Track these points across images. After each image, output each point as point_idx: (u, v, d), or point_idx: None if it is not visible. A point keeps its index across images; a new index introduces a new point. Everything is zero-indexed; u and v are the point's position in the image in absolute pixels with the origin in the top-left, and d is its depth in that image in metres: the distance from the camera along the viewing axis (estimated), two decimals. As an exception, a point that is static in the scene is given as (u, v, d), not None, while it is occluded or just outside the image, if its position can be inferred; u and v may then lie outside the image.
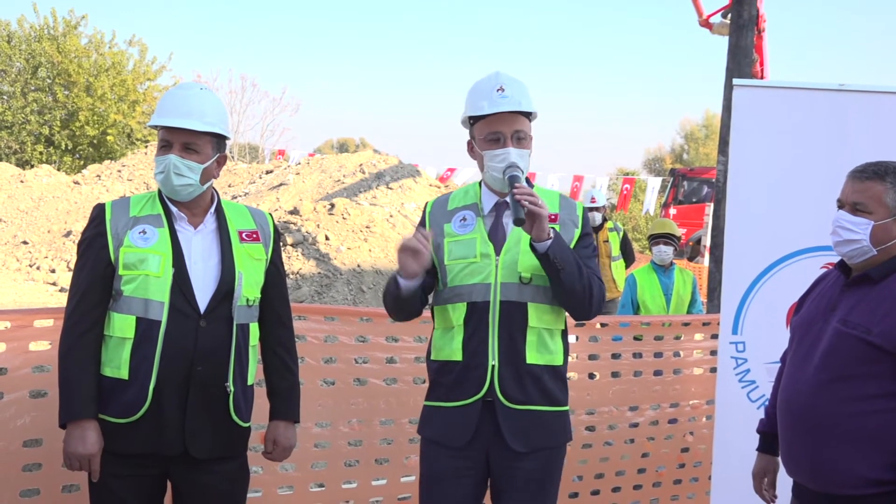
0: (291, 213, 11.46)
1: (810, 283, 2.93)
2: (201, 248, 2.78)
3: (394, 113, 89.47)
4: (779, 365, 2.98)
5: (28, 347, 3.13)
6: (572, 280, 2.72)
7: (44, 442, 3.10)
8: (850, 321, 2.57)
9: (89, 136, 27.50)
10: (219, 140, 2.81)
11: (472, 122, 2.87)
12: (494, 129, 2.79)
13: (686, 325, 5.11)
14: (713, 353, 4.72)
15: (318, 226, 10.76)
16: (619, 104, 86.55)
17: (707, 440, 4.71)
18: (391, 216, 11.80)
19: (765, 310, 3.99)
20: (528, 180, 2.83)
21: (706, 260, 12.33)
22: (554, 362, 2.83)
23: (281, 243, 4.86)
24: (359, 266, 10.04)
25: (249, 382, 2.85)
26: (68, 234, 13.61)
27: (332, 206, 11.28)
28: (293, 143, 49.17)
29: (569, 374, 3.01)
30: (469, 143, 2.92)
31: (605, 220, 8.69)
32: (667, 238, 6.88)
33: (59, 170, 22.01)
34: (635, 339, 4.80)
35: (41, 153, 27.19)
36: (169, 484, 2.79)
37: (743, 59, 8.86)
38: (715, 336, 4.59)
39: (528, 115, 2.85)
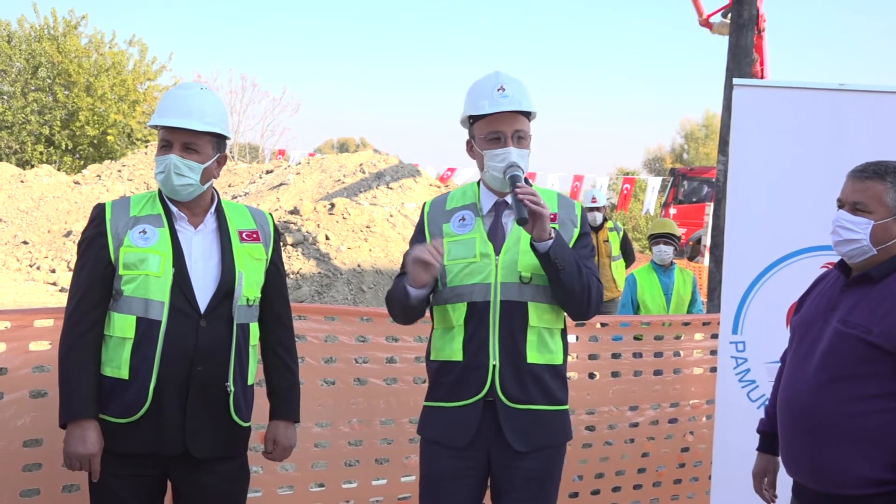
0: (292, 212, 11.46)
1: (810, 283, 2.93)
2: (201, 248, 2.78)
3: (394, 113, 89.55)
4: (779, 365, 2.98)
5: (28, 347, 3.13)
6: (572, 280, 2.72)
7: (44, 442, 3.10)
8: (850, 321, 2.57)
9: (89, 136, 27.51)
10: (219, 140, 2.81)
11: (472, 121, 2.86)
12: (495, 129, 2.79)
13: (686, 324, 5.11)
14: (713, 352, 4.72)
15: (318, 225, 10.76)
16: (619, 104, 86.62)
17: (707, 440, 4.71)
18: (391, 216, 11.81)
19: (765, 309, 3.99)
20: (526, 180, 2.82)
21: (706, 260, 12.33)
22: (554, 361, 2.84)
23: (281, 243, 4.87)
24: (359, 266, 10.04)
25: (250, 382, 2.85)
26: (68, 234, 13.61)
27: (333, 205, 11.28)
28: (293, 142, 49.30)
29: (569, 374, 3.02)
30: (468, 142, 2.92)
31: (605, 219, 8.69)
32: (667, 238, 6.88)
33: (59, 170, 22.02)
34: (635, 338, 4.80)
35: (41, 153, 27.20)
36: (169, 484, 2.79)
37: (743, 59, 8.86)
38: (715, 336, 4.59)
39: (528, 115, 2.85)
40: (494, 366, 2.76)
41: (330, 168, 15.50)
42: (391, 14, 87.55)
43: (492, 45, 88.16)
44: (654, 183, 23.18)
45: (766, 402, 3.34)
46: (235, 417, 2.76)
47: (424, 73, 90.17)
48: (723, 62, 9.07)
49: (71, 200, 15.81)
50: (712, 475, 4.16)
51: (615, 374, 4.70)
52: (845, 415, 2.53)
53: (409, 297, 2.75)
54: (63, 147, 27.60)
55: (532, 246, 2.71)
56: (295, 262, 9.91)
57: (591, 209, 8.45)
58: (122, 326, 2.67)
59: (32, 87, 27.73)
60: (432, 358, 2.90)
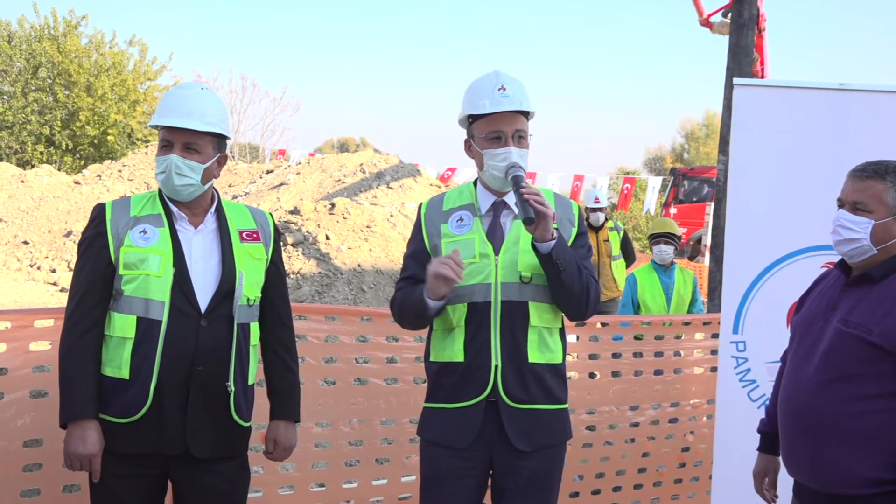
0: (292, 212, 11.46)
1: (811, 283, 2.93)
2: (202, 248, 2.78)
3: (394, 113, 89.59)
4: (779, 364, 2.98)
5: (28, 347, 3.13)
6: (572, 280, 2.72)
7: (44, 442, 3.10)
8: (850, 321, 2.57)
9: (90, 136, 27.51)
10: (219, 140, 2.81)
11: (471, 120, 2.86)
12: (496, 128, 2.78)
13: (687, 324, 5.11)
14: (714, 352, 4.72)
15: (318, 225, 10.76)
16: (620, 104, 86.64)
17: (708, 439, 4.71)
18: (392, 216, 11.81)
19: (765, 309, 3.99)
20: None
21: (707, 259, 12.33)
22: (554, 360, 2.83)
23: (281, 243, 4.87)
24: (359, 266, 10.04)
25: (250, 382, 2.85)
26: (69, 234, 13.61)
27: (333, 205, 11.28)
28: (293, 142, 49.41)
29: (569, 374, 3.02)
30: (467, 141, 2.91)
31: (605, 219, 8.69)
32: (667, 237, 6.88)
33: (59, 170, 22.03)
34: (636, 338, 4.80)
35: (42, 153, 27.21)
36: (169, 484, 2.79)
37: (743, 59, 8.86)
38: (715, 335, 4.59)
39: (527, 115, 2.84)
40: (496, 366, 2.75)
41: (330, 168, 15.50)
42: (391, 14, 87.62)
43: (492, 45, 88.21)
44: (655, 182, 23.17)
45: (767, 402, 3.34)
46: (236, 417, 2.76)
47: (424, 73, 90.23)
48: (723, 62, 9.09)
49: (71, 200, 15.81)
50: (713, 475, 4.16)
51: (616, 374, 4.69)
52: (846, 415, 2.53)
53: (427, 309, 2.74)
54: (63, 147, 27.61)
55: (534, 246, 2.70)
56: (295, 262, 9.91)
57: (595, 209, 8.45)
58: (122, 326, 2.67)
59: (33, 87, 27.74)
60: (432, 359, 2.88)
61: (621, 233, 8.87)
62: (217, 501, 2.79)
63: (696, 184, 22.88)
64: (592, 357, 4.63)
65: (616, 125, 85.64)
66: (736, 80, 4.16)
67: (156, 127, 2.75)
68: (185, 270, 2.71)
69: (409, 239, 3.00)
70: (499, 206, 2.86)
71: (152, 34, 75.62)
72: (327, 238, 10.45)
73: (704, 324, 5.05)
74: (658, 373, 4.83)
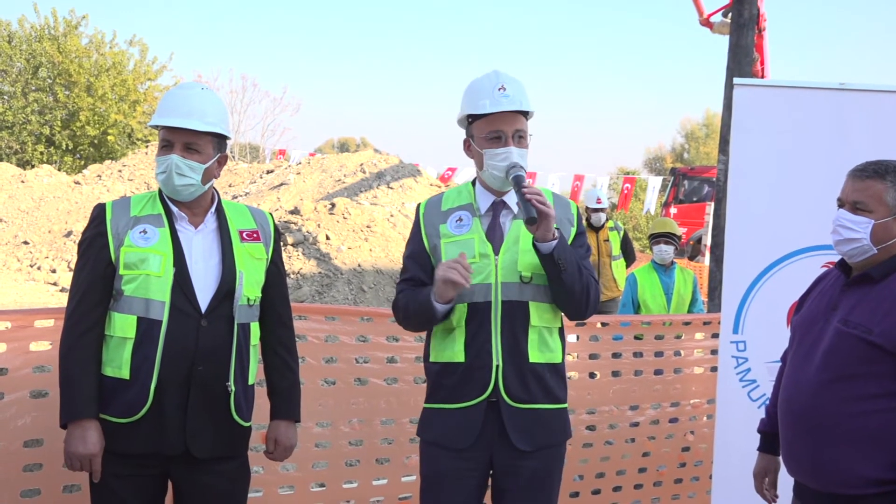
0: (292, 212, 11.46)
1: (811, 283, 2.93)
2: (202, 248, 2.78)
3: (394, 113, 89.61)
4: (779, 364, 2.98)
5: (29, 348, 3.13)
6: (573, 280, 2.72)
7: (45, 442, 3.10)
8: (850, 321, 2.57)
9: (90, 136, 27.52)
10: (220, 140, 2.81)
11: (471, 120, 2.85)
12: (496, 128, 2.78)
13: (687, 324, 5.10)
14: (714, 352, 4.72)
15: (318, 225, 10.76)
16: (620, 103, 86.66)
17: (708, 439, 4.71)
18: (392, 216, 11.81)
19: (765, 309, 3.99)
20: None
21: (707, 259, 12.32)
22: (554, 360, 2.84)
23: (281, 243, 4.88)
24: (359, 266, 10.04)
25: (250, 382, 2.85)
26: (69, 234, 13.62)
27: (333, 205, 11.28)
28: (294, 142, 49.47)
29: (569, 374, 3.02)
30: (466, 141, 2.90)
31: (606, 219, 8.69)
32: (667, 237, 6.88)
33: (59, 170, 22.03)
34: (636, 338, 4.80)
35: (42, 153, 27.21)
36: (170, 484, 2.79)
37: (743, 59, 8.86)
38: (716, 335, 4.59)
39: (526, 115, 2.84)
40: (498, 366, 2.75)
41: (330, 168, 15.51)
42: (391, 14, 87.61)
43: (492, 45, 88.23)
44: (655, 182, 23.17)
45: (767, 402, 3.34)
46: (236, 417, 2.76)
47: (424, 73, 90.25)
48: (723, 61, 9.08)
49: (71, 200, 15.81)
50: (713, 475, 4.16)
51: (616, 374, 4.69)
52: (846, 414, 2.53)
53: (435, 313, 2.74)
54: (63, 147, 27.62)
55: (535, 246, 2.70)
56: (295, 262, 9.91)
57: (597, 210, 8.45)
58: (122, 326, 2.67)
59: (33, 88, 27.75)
60: (432, 360, 2.88)
61: (621, 233, 8.87)
62: (217, 501, 2.79)
63: (696, 184, 22.89)
64: (592, 357, 4.62)
65: (616, 125, 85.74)
66: (736, 80, 4.16)
67: (156, 127, 2.75)
68: (186, 270, 2.71)
69: (407, 240, 2.99)
70: (498, 206, 2.86)
71: (152, 34, 75.69)
72: (327, 238, 10.45)
73: (705, 323, 5.05)
74: (658, 372, 4.83)
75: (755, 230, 4.02)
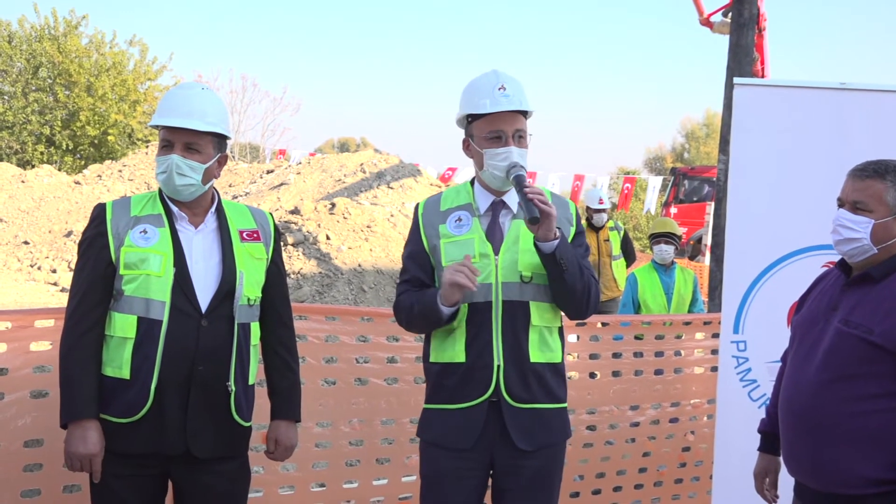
0: (292, 212, 11.46)
1: (811, 283, 2.93)
2: (202, 248, 2.78)
3: (394, 112, 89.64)
4: (780, 364, 2.98)
5: (29, 348, 3.13)
6: (574, 280, 2.72)
7: (45, 442, 3.10)
8: (851, 321, 2.56)
9: (90, 136, 27.52)
10: (220, 140, 2.81)
11: (470, 120, 2.85)
12: (496, 128, 2.78)
13: (687, 324, 5.10)
14: (714, 352, 4.72)
15: (318, 225, 10.76)
16: (620, 103, 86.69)
17: (708, 439, 4.71)
18: (392, 216, 11.81)
19: (766, 309, 3.98)
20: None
21: (707, 259, 12.32)
22: (554, 360, 2.84)
23: (282, 243, 4.87)
24: (360, 266, 10.04)
25: (251, 382, 2.85)
26: (69, 234, 13.62)
27: (333, 205, 11.28)
28: (294, 142, 49.48)
29: (569, 374, 3.02)
30: (465, 140, 2.90)
31: (607, 219, 8.69)
32: (668, 237, 6.88)
33: (59, 170, 22.03)
34: (636, 338, 4.80)
35: (42, 153, 27.21)
36: (170, 484, 2.79)
37: (744, 58, 8.86)
38: (716, 335, 4.59)
39: (526, 114, 2.84)
40: (499, 366, 2.75)
41: (330, 168, 15.50)
42: (391, 14, 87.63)
43: (491, 45, 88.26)
44: (655, 182, 23.18)
45: (767, 402, 3.34)
46: (236, 417, 2.76)
47: (424, 73, 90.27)
48: (723, 61, 9.08)
49: (72, 200, 15.82)
50: (713, 475, 4.16)
51: (616, 374, 4.69)
52: (846, 415, 2.53)
53: (440, 316, 2.74)
54: (64, 147, 27.61)
55: (537, 246, 2.70)
56: (296, 262, 9.91)
57: (599, 210, 8.45)
58: (123, 326, 2.67)
59: (33, 88, 27.74)
60: (432, 360, 2.87)
61: (621, 232, 8.87)
62: (217, 501, 2.79)
63: (696, 183, 22.88)
64: (593, 357, 4.62)
65: (616, 125, 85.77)
66: (736, 80, 4.16)
67: (156, 127, 2.75)
68: (186, 270, 2.71)
69: (406, 240, 2.99)
70: (497, 206, 2.86)
71: (152, 34, 75.68)
72: (328, 238, 10.45)
73: (705, 323, 5.05)
74: (658, 372, 4.83)
75: (755, 230, 4.02)
